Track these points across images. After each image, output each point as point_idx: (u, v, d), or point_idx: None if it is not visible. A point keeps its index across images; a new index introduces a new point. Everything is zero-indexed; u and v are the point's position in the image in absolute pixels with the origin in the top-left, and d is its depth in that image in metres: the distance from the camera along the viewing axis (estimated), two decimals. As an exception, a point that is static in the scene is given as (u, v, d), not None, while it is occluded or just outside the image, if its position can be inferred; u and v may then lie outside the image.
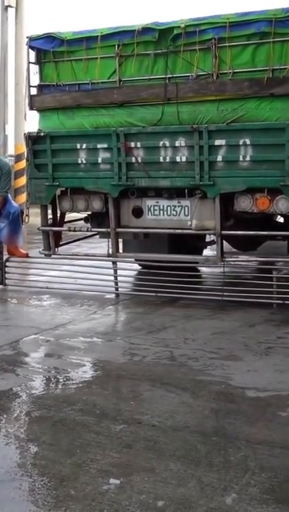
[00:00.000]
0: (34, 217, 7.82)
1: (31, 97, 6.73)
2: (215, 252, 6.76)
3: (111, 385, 4.49)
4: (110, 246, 6.96)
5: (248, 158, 6.09)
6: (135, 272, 8.13)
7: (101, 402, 4.09)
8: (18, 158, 14.79)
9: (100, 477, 3.11)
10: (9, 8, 15.72)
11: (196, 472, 3.15)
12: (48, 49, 6.65)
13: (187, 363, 4.85)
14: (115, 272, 7.31)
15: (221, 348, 5.22)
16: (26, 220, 7.72)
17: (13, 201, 8.48)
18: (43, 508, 2.85)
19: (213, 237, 7.00)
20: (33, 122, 7.34)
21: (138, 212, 6.82)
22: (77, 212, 7.31)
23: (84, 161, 6.81)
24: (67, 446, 3.45)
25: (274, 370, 4.68)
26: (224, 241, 6.90)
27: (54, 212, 7.35)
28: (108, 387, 4.44)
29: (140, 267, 8.15)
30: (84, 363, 4.92)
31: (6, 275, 7.93)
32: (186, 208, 6.59)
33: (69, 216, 7.64)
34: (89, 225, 7.31)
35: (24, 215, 7.94)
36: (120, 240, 7.26)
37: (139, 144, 6.52)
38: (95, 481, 3.07)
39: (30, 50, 6.77)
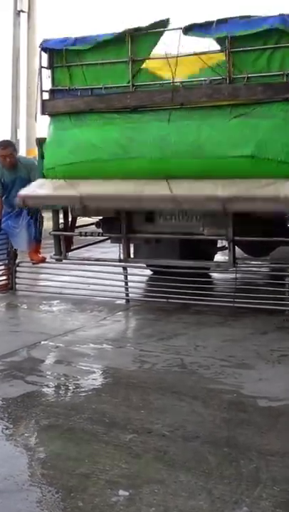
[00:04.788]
0: (46, 222, 7.80)
1: (43, 102, 6.68)
2: (227, 258, 6.69)
3: (121, 393, 4.43)
4: (122, 251, 6.91)
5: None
6: (146, 278, 8.08)
7: (110, 410, 4.03)
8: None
9: (109, 488, 3.05)
10: (21, 13, 15.77)
11: (207, 484, 3.09)
12: (61, 48, 6.57)
13: (198, 371, 4.79)
14: (126, 277, 7.26)
15: (233, 355, 5.15)
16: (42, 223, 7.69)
17: None
18: (50, 520, 2.80)
19: (224, 243, 6.94)
20: (44, 126, 7.29)
21: (150, 217, 6.76)
22: (89, 217, 7.26)
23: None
24: (75, 456, 3.40)
25: (287, 378, 4.61)
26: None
27: (65, 217, 7.30)
28: (118, 395, 4.38)
29: (151, 273, 8.10)
30: (93, 370, 4.87)
31: (17, 280, 7.90)
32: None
33: (80, 221, 7.60)
34: (100, 230, 7.25)
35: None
36: (131, 245, 7.20)
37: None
38: (104, 493, 3.01)
39: (42, 53, 6.71)
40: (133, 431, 3.70)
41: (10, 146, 7.80)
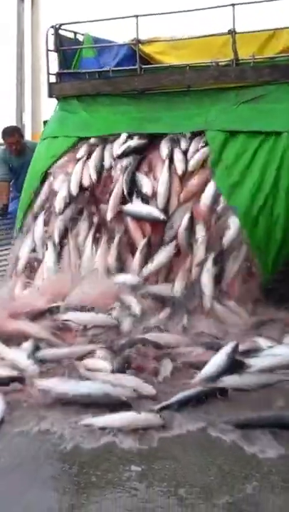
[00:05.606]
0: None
1: (50, 85, 6.68)
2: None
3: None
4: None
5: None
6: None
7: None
8: (35, 147, 14.73)
9: (121, 464, 3.12)
10: (26, -4, 15.66)
11: (216, 460, 3.15)
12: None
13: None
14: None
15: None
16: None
17: None
18: (64, 495, 2.87)
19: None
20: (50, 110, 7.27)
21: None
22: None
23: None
24: (88, 433, 3.45)
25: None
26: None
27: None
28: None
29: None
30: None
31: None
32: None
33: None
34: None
35: None
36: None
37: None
38: (116, 468, 3.08)
39: (49, 36, 6.68)
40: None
41: (16, 133, 7.79)
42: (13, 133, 7.68)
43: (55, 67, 6.72)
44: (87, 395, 3.74)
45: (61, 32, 6.59)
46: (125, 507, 2.78)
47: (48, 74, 6.63)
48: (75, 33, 6.74)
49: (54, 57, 6.72)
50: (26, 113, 15.27)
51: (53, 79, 6.63)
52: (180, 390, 3.79)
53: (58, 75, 6.61)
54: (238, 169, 5.40)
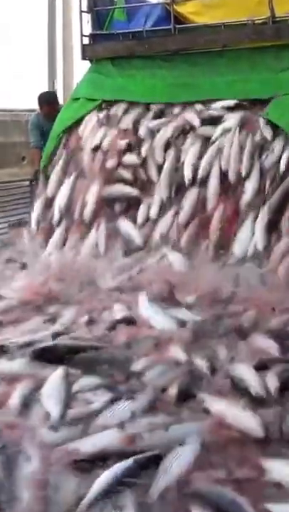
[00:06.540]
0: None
1: (83, 47, 6.62)
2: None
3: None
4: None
5: None
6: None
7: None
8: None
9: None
10: None
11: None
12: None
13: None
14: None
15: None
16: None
17: None
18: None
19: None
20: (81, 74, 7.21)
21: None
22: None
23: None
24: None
25: None
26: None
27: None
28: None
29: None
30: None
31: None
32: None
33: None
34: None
35: None
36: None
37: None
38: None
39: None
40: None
41: (55, 102, 7.79)
42: (52, 103, 7.66)
43: (87, 30, 6.68)
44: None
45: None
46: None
47: (82, 35, 6.58)
48: (109, -7, 6.68)
49: (87, 19, 6.68)
50: (58, 78, 15.26)
51: (86, 41, 6.59)
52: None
53: (91, 36, 6.56)
54: None
